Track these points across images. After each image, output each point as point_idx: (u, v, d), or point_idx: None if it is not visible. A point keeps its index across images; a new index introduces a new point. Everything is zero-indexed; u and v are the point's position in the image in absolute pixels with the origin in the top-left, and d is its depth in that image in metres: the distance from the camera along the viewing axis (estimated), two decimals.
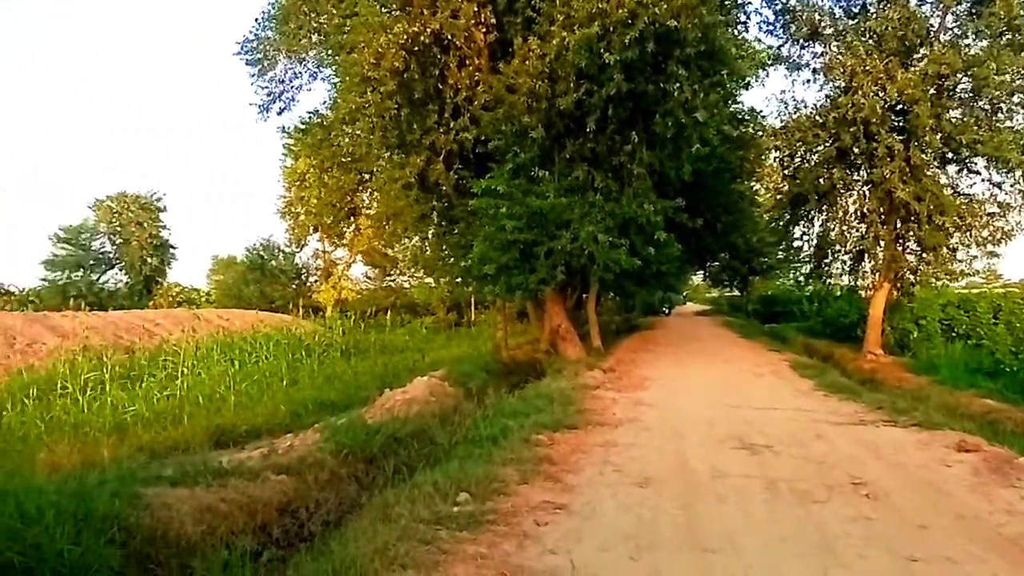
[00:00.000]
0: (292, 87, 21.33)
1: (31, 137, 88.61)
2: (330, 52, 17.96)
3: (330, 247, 38.22)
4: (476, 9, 13.83)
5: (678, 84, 13.22)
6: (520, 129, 13.96)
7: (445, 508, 4.95)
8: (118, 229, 44.70)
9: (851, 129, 15.32)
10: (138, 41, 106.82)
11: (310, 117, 22.47)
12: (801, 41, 17.24)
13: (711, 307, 58.93)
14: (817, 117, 16.73)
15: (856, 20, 16.43)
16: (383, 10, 14.19)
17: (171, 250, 47.53)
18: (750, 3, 18.53)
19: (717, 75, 14.45)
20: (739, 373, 14.41)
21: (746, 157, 21.10)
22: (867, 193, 16.88)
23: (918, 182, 15.19)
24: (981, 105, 15.30)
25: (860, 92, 14.95)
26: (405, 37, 13.29)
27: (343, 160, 21.75)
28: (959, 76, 15.05)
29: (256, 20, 20.51)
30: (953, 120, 15.17)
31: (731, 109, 18.22)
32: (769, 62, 18.57)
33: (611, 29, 12.51)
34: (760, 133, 19.92)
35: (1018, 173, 15.40)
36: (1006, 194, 15.94)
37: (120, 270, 45.57)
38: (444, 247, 19.05)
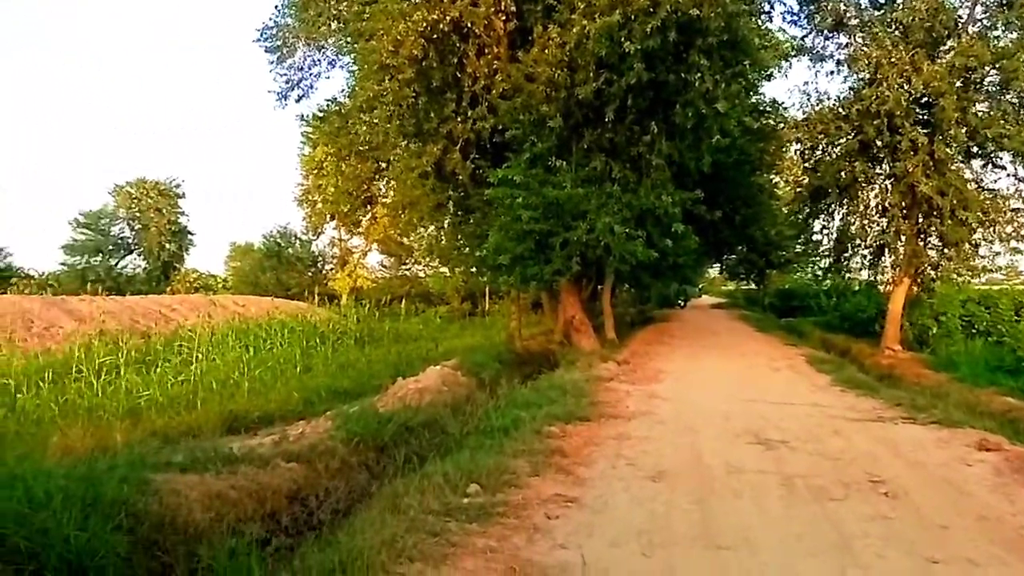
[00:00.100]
0: (311, 75, 21.34)
1: (53, 123, 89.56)
2: (349, 39, 17.95)
3: (346, 235, 38.36)
4: None
5: (699, 74, 13.03)
6: (538, 118, 13.85)
7: (455, 499, 4.89)
8: (137, 215, 45.08)
9: (875, 122, 15.02)
10: (162, 27, 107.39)
11: (328, 105, 22.44)
12: (825, 32, 16.94)
13: (727, 300, 58.59)
14: (840, 109, 16.47)
15: (882, 10, 16.10)
16: None
17: (189, 236, 48.00)
18: None
19: (739, 65, 14.24)
20: (755, 367, 14.26)
21: (766, 149, 20.84)
22: (889, 187, 16.60)
23: (942, 176, 14.91)
24: (1009, 99, 14.94)
25: (885, 84, 14.68)
26: (424, 25, 13.19)
27: (360, 148, 21.75)
28: (987, 69, 14.74)
29: (276, 7, 20.54)
30: (979, 114, 14.87)
31: (752, 100, 18.01)
32: (792, 53, 18.31)
33: (632, 17, 12.34)
34: (781, 125, 19.62)
35: None
36: None
37: (138, 255, 46.04)
38: (459, 236, 19.01)
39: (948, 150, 15.03)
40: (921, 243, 16.75)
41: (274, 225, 48.40)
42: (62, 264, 42.90)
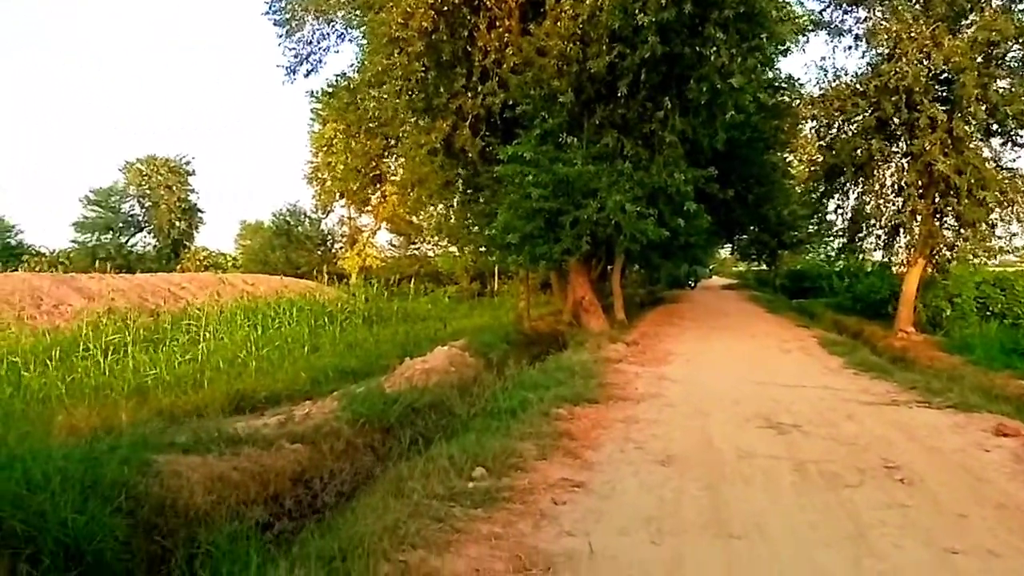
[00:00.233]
0: (319, 48, 21.00)
1: (66, 101, 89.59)
2: (358, 12, 17.66)
3: (355, 214, 38.33)
4: None
5: (715, 47, 12.73)
6: (549, 93, 13.62)
7: (460, 484, 4.79)
8: (147, 192, 45.08)
9: (892, 98, 14.72)
10: (177, 4, 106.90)
11: (337, 80, 22.25)
12: (844, 5, 16.62)
13: (738, 281, 58.34)
14: (857, 85, 16.12)
15: None
16: None
17: (199, 214, 48.00)
18: None
19: (756, 39, 13.83)
20: (766, 349, 14.11)
21: (781, 127, 20.55)
22: (906, 165, 16.28)
23: (960, 155, 14.64)
24: None
25: (904, 59, 14.36)
26: None
27: (369, 125, 21.62)
28: (1010, 44, 14.42)
29: None
30: (1000, 91, 14.54)
31: (768, 76, 17.66)
32: (810, 27, 17.98)
33: None
34: (797, 101, 19.31)
35: None
36: None
37: (148, 233, 46.09)
38: (468, 215, 18.85)
39: (967, 128, 14.73)
40: (937, 223, 16.49)
41: (284, 203, 48.30)
42: (73, 242, 43.14)
